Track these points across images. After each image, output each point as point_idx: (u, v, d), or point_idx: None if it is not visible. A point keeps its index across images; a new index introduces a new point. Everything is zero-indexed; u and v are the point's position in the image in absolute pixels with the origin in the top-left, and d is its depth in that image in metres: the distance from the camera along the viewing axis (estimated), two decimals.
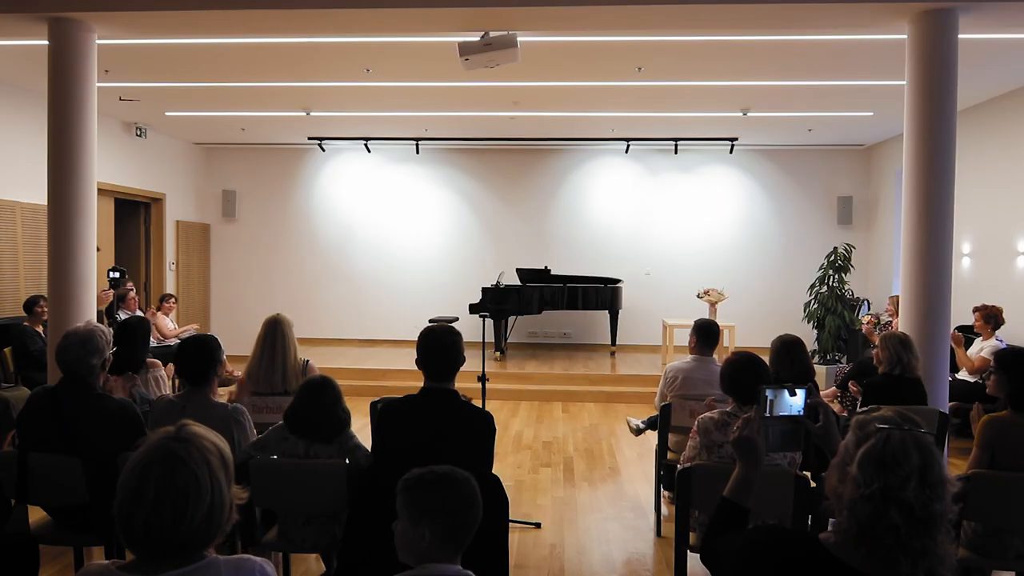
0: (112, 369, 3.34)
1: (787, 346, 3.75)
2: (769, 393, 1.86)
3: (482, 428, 2.74)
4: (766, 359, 3.02)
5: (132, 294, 7.45)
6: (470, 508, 1.70)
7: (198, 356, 3.03)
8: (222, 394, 3.78)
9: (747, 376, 2.91)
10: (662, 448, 4.20)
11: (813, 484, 2.80)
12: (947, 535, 1.36)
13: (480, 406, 2.94)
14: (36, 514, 3.01)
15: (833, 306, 9.07)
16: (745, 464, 1.79)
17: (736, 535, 1.64)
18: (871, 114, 8.19)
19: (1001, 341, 5.78)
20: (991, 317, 5.84)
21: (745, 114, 8.24)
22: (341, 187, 10.85)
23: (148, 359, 4.04)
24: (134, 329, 3.96)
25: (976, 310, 5.96)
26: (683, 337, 4.49)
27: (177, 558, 1.36)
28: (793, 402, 1.87)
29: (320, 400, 2.89)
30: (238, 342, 8.99)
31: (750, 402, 2.92)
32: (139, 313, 7.38)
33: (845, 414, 4.76)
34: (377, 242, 10.80)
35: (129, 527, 1.34)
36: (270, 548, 2.98)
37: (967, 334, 6.54)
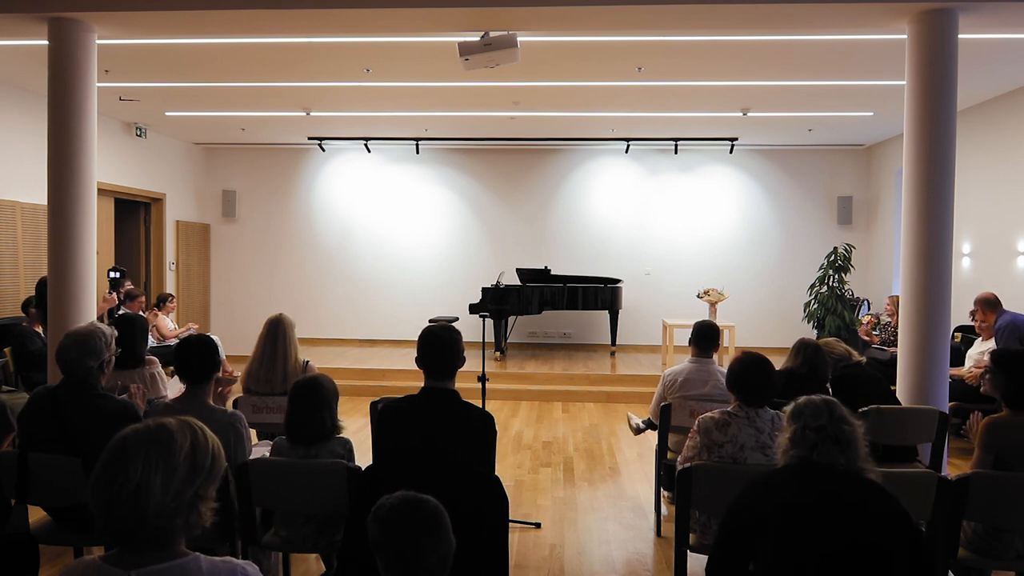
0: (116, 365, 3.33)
1: (804, 347, 3.86)
2: None
3: (483, 428, 2.74)
4: (768, 359, 3.01)
5: (141, 298, 7.28)
6: (425, 547, 1.48)
7: (199, 354, 3.01)
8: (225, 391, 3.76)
9: (755, 377, 2.90)
10: (662, 448, 4.20)
11: None
12: (862, 450, 2.05)
13: (480, 406, 2.93)
14: (36, 514, 3.01)
15: (833, 306, 9.08)
16: None
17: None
18: (871, 114, 8.19)
19: (1007, 313, 5.68)
20: (989, 303, 5.71)
21: (745, 114, 8.24)
22: (341, 187, 10.84)
23: (147, 356, 4.02)
24: (132, 323, 3.95)
25: (975, 303, 5.81)
26: (683, 337, 4.50)
27: (144, 549, 1.33)
28: None
29: (303, 404, 2.87)
30: (238, 342, 9.02)
31: (755, 403, 2.93)
32: (141, 314, 7.28)
33: None
34: (377, 242, 10.79)
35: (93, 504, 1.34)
36: (270, 548, 2.98)
37: (966, 334, 6.53)
